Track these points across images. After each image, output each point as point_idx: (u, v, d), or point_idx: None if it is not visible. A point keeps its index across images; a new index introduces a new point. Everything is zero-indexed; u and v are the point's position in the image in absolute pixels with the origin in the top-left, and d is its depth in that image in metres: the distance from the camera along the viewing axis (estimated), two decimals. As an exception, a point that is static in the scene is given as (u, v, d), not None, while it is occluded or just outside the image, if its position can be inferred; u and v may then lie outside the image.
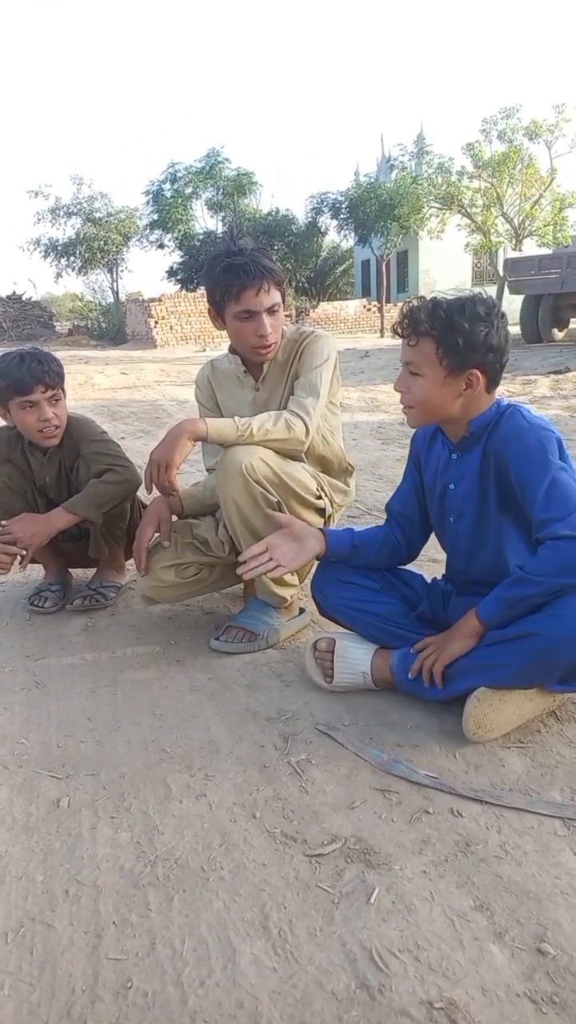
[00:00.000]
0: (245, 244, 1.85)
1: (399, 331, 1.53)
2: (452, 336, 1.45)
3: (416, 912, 1.09)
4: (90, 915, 1.11)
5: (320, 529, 1.79)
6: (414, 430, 1.75)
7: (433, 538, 1.83)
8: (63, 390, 2.19)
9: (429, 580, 1.84)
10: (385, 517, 1.84)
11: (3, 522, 2.16)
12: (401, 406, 1.60)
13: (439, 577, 1.83)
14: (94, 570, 2.49)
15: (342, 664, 1.72)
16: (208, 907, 1.12)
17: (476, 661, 1.51)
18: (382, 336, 19.50)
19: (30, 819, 1.35)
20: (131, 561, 2.59)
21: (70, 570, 2.53)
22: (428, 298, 1.52)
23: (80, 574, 2.57)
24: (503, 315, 1.49)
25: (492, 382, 1.52)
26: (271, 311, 1.87)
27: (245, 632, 2.01)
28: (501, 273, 13.74)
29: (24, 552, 2.11)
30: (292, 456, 1.93)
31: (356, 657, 1.73)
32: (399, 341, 1.55)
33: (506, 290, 12.83)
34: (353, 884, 1.15)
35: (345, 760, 1.48)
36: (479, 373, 1.48)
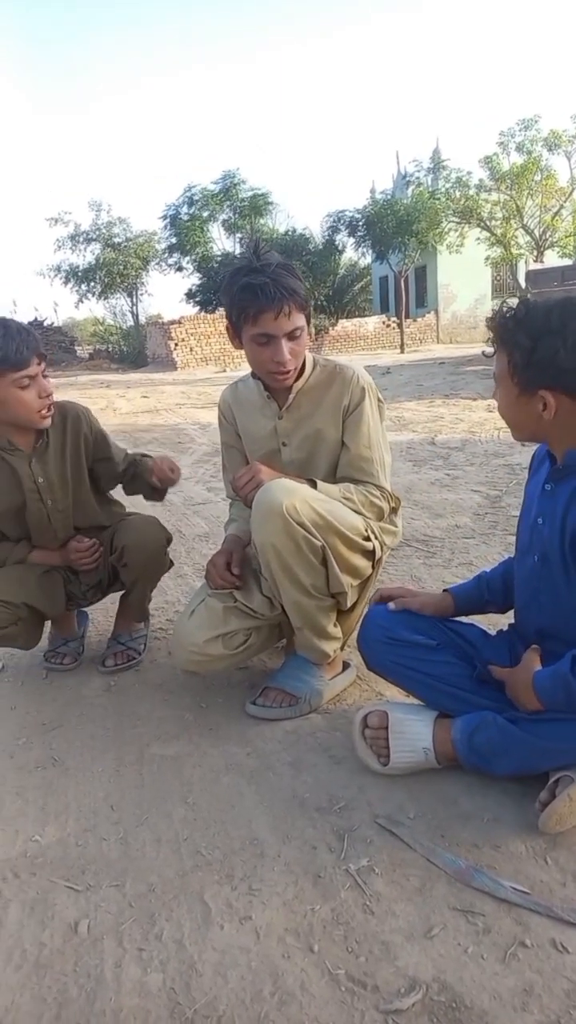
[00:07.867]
0: (270, 259, 1.66)
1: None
2: (518, 350, 1.23)
3: None
4: None
5: (446, 591, 1.63)
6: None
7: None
8: None
9: (494, 633, 1.61)
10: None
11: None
12: None
13: (505, 628, 1.60)
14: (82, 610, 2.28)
15: (399, 741, 1.48)
16: None
17: (557, 743, 1.28)
18: (402, 352, 19.27)
19: (43, 952, 1.12)
20: (152, 604, 2.39)
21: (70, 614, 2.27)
22: (519, 301, 1.27)
23: (96, 625, 2.37)
24: None
25: None
26: (291, 336, 1.67)
27: (285, 695, 1.79)
28: (523, 285, 13.50)
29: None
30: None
31: (415, 731, 1.49)
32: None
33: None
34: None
35: (415, 867, 1.24)
36: (552, 396, 1.23)
